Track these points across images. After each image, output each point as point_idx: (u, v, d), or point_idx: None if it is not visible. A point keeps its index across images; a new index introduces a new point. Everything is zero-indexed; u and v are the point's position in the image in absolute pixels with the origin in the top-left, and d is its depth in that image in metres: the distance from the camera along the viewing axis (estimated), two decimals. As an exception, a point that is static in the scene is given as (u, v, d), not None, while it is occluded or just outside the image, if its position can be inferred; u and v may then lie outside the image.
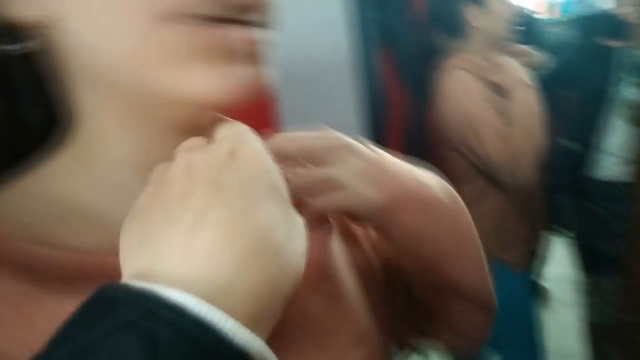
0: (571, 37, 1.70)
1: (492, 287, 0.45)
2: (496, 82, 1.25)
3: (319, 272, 0.37)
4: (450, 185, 0.43)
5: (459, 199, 0.43)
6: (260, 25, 0.28)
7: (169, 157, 0.27)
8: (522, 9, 1.80)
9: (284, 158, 0.35)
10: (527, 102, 1.19)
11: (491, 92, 1.23)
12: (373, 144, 0.40)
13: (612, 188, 1.41)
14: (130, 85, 0.27)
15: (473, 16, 1.27)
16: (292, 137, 0.38)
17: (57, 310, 0.24)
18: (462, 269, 0.42)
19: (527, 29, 1.36)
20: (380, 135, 1.24)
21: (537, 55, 1.40)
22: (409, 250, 0.41)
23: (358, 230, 0.45)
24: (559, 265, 1.72)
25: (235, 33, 0.26)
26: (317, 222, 0.39)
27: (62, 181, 0.30)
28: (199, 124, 0.29)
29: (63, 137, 0.31)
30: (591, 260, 1.51)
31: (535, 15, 1.91)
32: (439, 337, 0.49)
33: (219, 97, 0.27)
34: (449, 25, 1.29)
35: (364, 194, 0.37)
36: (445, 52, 1.30)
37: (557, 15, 2.75)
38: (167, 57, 0.26)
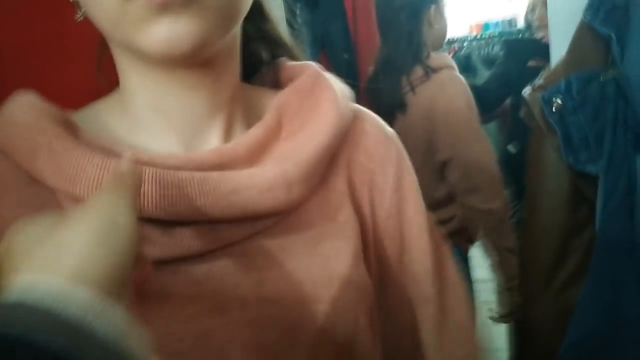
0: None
1: None
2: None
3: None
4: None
5: None
6: None
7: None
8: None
9: None
10: None
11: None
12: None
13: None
14: (119, 44, 0.36)
15: (429, 22, 1.36)
16: None
17: None
18: None
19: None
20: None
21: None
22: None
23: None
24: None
25: None
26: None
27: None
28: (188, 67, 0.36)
29: None
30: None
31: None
32: None
33: (167, 46, 0.32)
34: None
35: None
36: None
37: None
38: (128, 22, 0.32)
